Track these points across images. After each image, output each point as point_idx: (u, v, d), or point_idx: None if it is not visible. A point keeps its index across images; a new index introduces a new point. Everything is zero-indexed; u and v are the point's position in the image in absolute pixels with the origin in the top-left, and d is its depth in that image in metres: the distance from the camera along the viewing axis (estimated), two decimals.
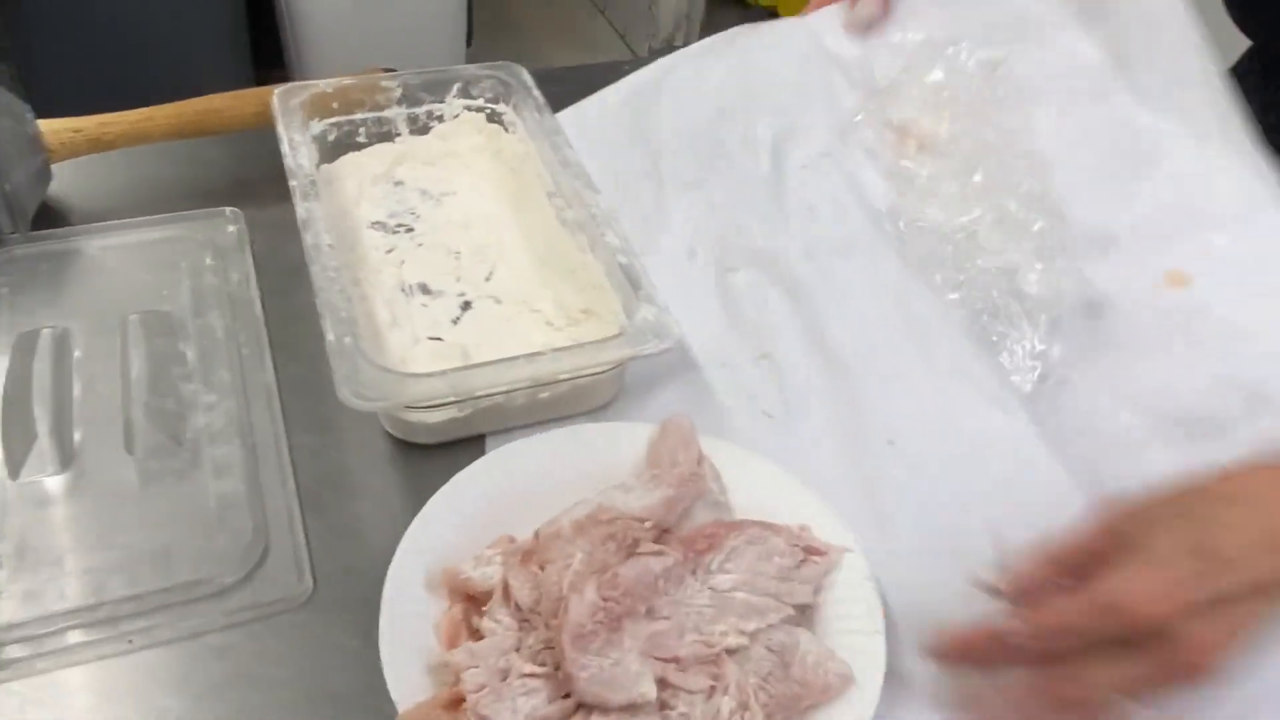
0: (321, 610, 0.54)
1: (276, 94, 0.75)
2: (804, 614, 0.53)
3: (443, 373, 0.57)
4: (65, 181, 0.75)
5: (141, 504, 0.56)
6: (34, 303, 0.67)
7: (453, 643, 0.50)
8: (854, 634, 0.52)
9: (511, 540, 0.54)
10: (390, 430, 0.62)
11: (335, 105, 0.78)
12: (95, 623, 0.51)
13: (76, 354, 0.63)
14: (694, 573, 0.51)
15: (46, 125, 0.72)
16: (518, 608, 0.50)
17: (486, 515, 0.55)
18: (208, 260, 0.71)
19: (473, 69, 0.81)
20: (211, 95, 0.77)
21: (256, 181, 0.79)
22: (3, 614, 0.51)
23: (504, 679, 0.47)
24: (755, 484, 0.58)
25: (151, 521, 0.56)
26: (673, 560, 0.51)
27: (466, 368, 0.58)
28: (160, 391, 0.61)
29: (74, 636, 0.51)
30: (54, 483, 0.57)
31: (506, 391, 0.60)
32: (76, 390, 0.61)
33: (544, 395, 0.62)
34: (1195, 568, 0.41)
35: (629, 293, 0.63)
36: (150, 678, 0.50)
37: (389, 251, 0.73)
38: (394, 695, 0.47)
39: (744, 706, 0.48)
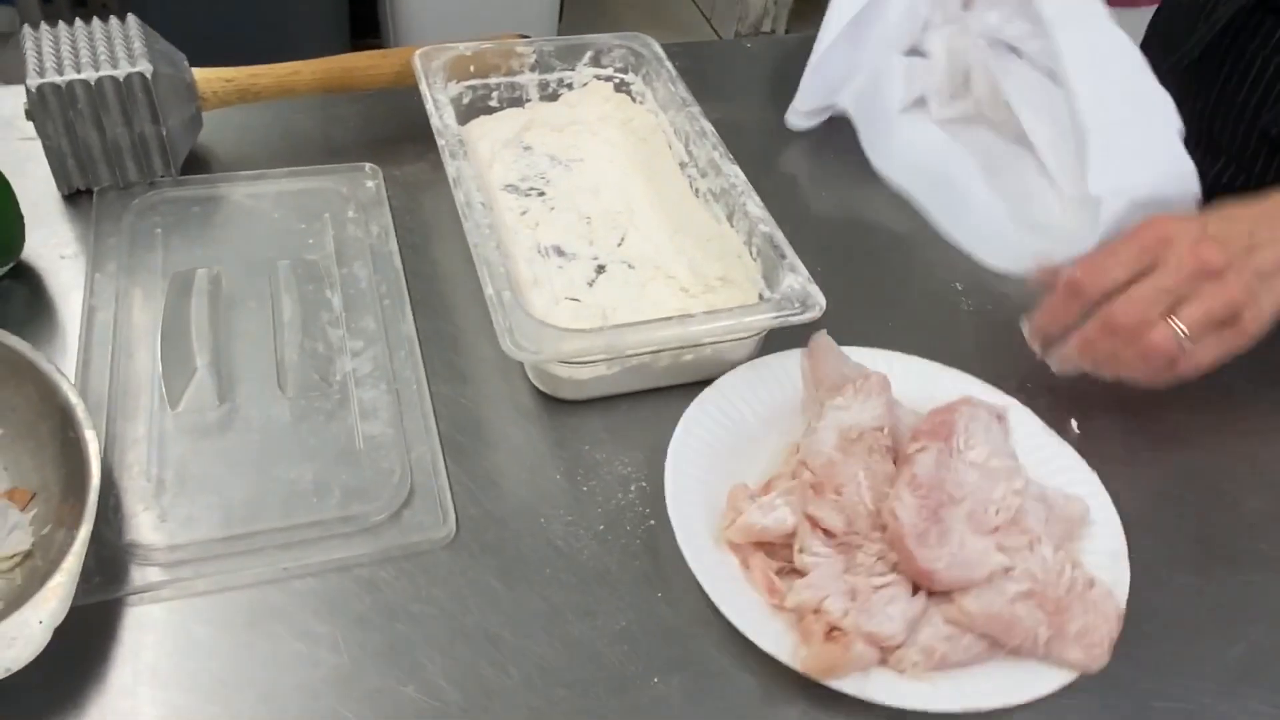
0: (464, 552, 0.55)
1: (418, 55, 0.77)
2: None
3: (599, 329, 0.59)
4: (210, 131, 0.78)
5: (295, 440, 0.58)
6: (186, 243, 0.69)
7: (772, 589, 0.53)
8: (1062, 473, 0.59)
9: (746, 486, 0.57)
10: (537, 384, 0.63)
11: (472, 69, 0.80)
12: (252, 550, 0.54)
13: (227, 293, 0.66)
14: (951, 455, 0.55)
15: (200, 74, 0.74)
16: (828, 534, 0.53)
17: (706, 470, 0.58)
18: (350, 213, 0.73)
19: (605, 38, 0.82)
20: (355, 54, 0.79)
21: (391, 139, 0.81)
22: (168, 536, 0.53)
23: (854, 598, 0.51)
24: (903, 375, 0.62)
25: (304, 457, 0.58)
26: (935, 451, 0.55)
27: (620, 326, 0.59)
28: (311, 334, 0.63)
29: (232, 562, 0.53)
30: (212, 415, 0.59)
31: (655, 352, 0.61)
32: (231, 328, 0.64)
33: (687, 357, 0.63)
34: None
35: (772, 261, 0.64)
36: (302, 604, 0.52)
37: (523, 214, 0.74)
38: (774, 652, 0.50)
39: (1058, 547, 0.53)
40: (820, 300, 0.61)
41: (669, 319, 0.59)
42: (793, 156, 0.86)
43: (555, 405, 0.63)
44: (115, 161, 0.71)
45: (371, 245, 0.71)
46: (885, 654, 0.50)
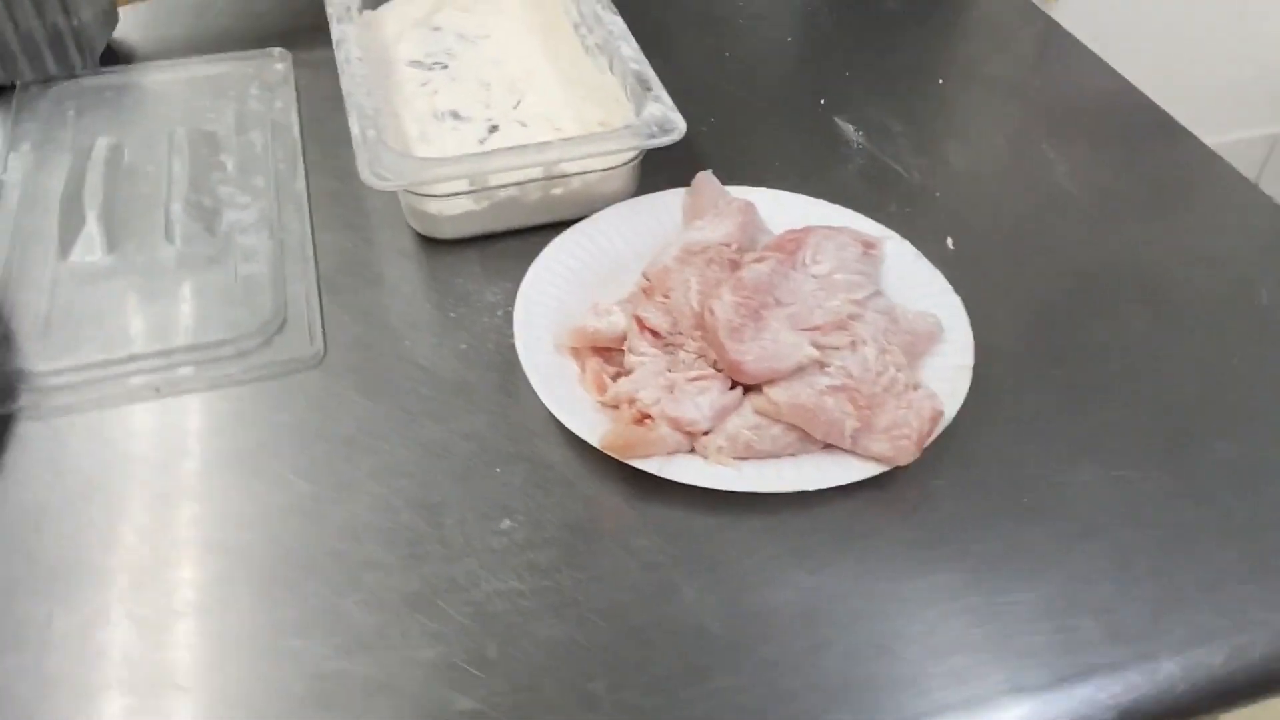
0: (330, 372, 0.57)
1: None
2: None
3: (458, 158, 0.61)
4: (129, 26, 0.81)
5: (175, 281, 0.61)
6: (96, 122, 0.72)
7: (602, 388, 0.54)
8: (928, 298, 0.59)
9: (601, 303, 0.58)
10: (414, 225, 0.66)
11: None
12: (127, 374, 0.56)
13: (127, 161, 0.69)
14: (794, 269, 0.57)
15: None
16: (655, 335, 0.55)
17: (568, 292, 0.59)
18: (253, 90, 0.76)
19: None
20: None
21: (306, 29, 0.83)
22: (49, 362, 0.56)
23: (671, 390, 0.52)
24: (788, 213, 0.64)
25: (183, 296, 0.60)
26: (775, 261, 0.56)
27: (480, 154, 0.61)
28: (199, 190, 0.66)
29: (108, 385, 0.56)
30: (101, 263, 0.62)
31: (520, 183, 0.63)
32: (125, 190, 0.67)
33: (557, 191, 0.64)
34: None
35: (641, 96, 0.65)
36: (172, 419, 0.55)
37: (424, 84, 0.76)
38: (583, 435, 0.51)
39: (884, 350, 0.54)
40: (680, 125, 0.62)
41: (526, 146, 0.61)
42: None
43: (434, 246, 0.65)
44: (33, 55, 0.75)
45: (273, 118, 0.74)
46: (692, 440, 0.51)
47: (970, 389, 0.55)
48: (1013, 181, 0.70)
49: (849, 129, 0.74)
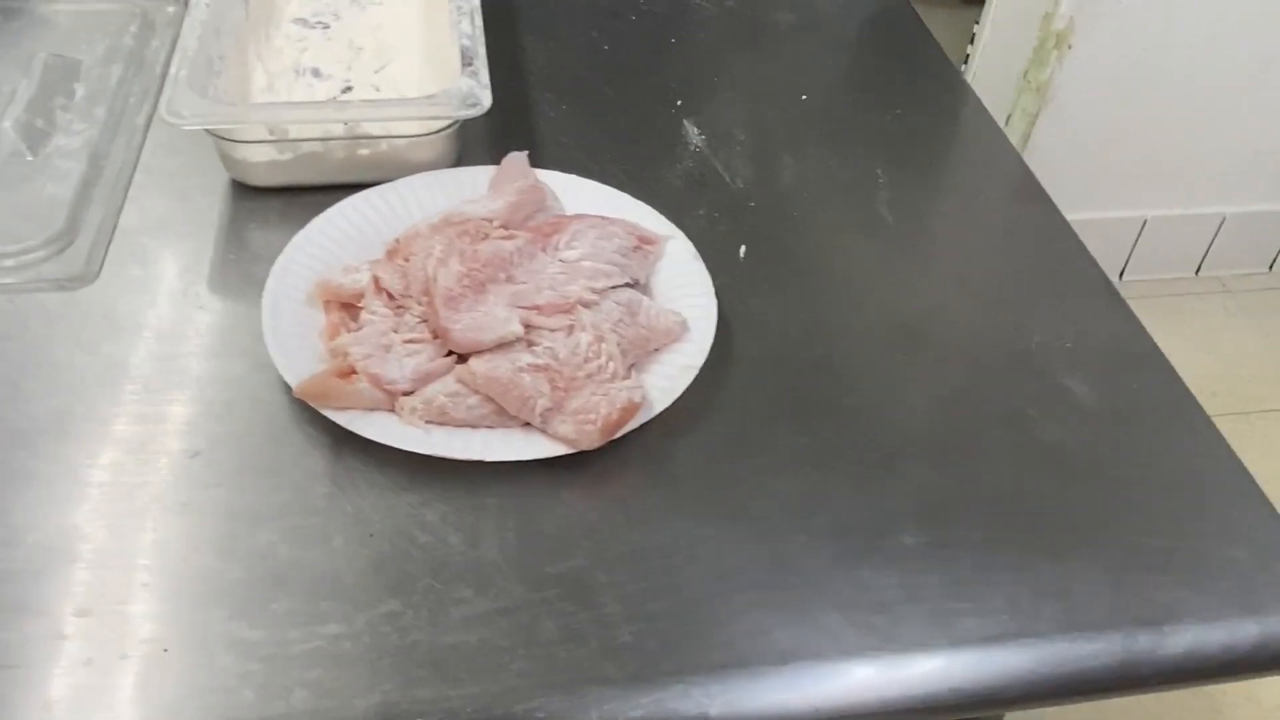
0: (96, 294, 0.60)
1: None
2: (644, 291, 0.60)
3: (255, 105, 0.62)
4: None
5: None
6: None
7: (332, 335, 0.55)
8: (688, 298, 0.59)
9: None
10: (228, 171, 0.67)
11: None
12: None
13: None
14: (544, 250, 0.58)
15: None
16: (389, 296, 0.56)
17: (345, 248, 0.61)
18: (133, 28, 0.79)
19: None
20: None
21: None
22: None
23: (386, 350, 0.53)
24: (589, 200, 0.64)
25: None
26: (523, 240, 0.57)
27: (277, 104, 0.63)
28: (35, 112, 0.69)
29: None
30: None
31: (323, 139, 0.65)
32: None
33: (364, 152, 0.66)
34: None
35: (461, 70, 0.66)
36: None
37: (298, 41, 0.79)
38: (287, 379, 0.52)
39: (600, 339, 0.54)
40: (485, 100, 0.63)
41: (325, 103, 0.63)
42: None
43: (244, 193, 0.67)
44: None
45: (144, 56, 0.76)
46: (392, 399, 0.52)
47: (703, 394, 0.55)
48: (831, 201, 0.70)
49: (693, 131, 0.75)
